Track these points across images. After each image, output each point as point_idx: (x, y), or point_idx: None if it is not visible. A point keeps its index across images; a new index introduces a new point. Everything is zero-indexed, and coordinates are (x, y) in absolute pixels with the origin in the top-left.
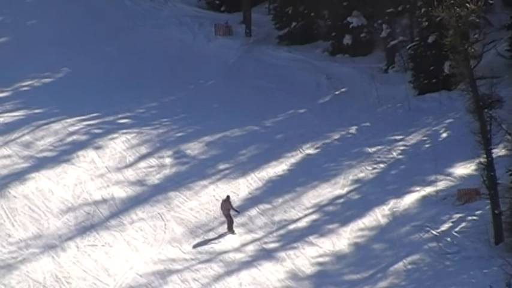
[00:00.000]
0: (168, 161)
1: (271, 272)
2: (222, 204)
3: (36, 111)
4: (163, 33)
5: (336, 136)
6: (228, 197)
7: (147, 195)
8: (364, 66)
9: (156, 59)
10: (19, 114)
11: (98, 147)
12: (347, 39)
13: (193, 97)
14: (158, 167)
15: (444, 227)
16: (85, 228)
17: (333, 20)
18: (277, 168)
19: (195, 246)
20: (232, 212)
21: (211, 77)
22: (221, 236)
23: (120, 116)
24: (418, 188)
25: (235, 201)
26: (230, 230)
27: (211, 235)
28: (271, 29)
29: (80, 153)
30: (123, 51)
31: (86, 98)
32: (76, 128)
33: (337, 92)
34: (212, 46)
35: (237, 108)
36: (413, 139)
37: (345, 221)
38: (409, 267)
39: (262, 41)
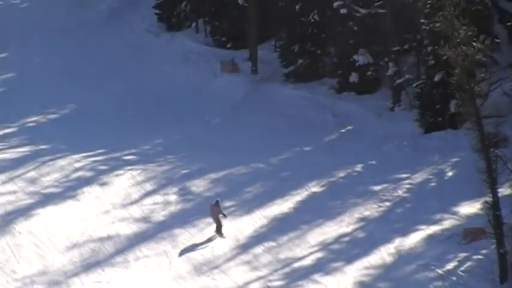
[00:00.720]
0: (173, 198)
1: None
2: (211, 209)
3: (42, 147)
4: (170, 70)
5: (342, 174)
6: (217, 201)
7: (152, 232)
8: (370, 104)
9: (161, 96)
10: (25, 150)
11: (103, 184)
12: (353, 77)
13: (199, 134)
14: (163, 204)
15: (450, 266)
16: (90, 265)
17: (339, 57)
18: (283, 206)
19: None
20: (221, 216)
21: (217, 114)
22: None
23: (125, 152)
24: (423, 227)
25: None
26: (219, 233)
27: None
28: (278, 67)
29: (85, 189)
30: (129, 88)
31: (91, 134)
32: (81, 164)
33: (343, 130)
34: (218, 83)
35: (242, 146)
36: (419, 177)
37: (350, 259)
38: None
39: (269, 78)
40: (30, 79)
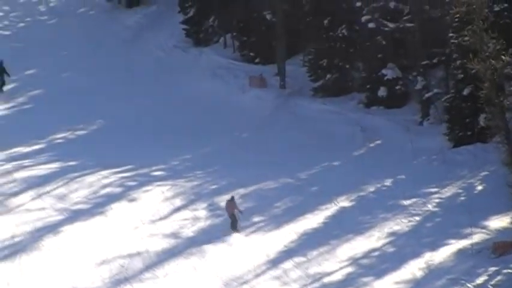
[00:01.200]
0: (202, 213)
1: None
2: (227, 205)
3: (71, 163)
4: (198, 85)
5: (371, 188)
6: (232, 197)
7: (181, 247)
8: (399, 119)
9: (190, 111)
10: (53, 166)
11: (132, 200)
12: (382, 91)
13: (228, 149)
14: (192, 219)
15: (480, 280)
16: (119, 281)
17: (368, 72)
18: (312, 221)
19: None
20: (236, 212)
21: (246, 129)
22: None
23: (154, 168)
24: (453, 241)
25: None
26: (234, 229)
27: None
28: (306, 81)
29: (114, 205)
30: (158, 104)
31: (120, 150)
32: (110, 180)
33: (371, 144)
34: (246, 98)
35: (271, 160)
36: (448, 192)
37: (379, 274)
38: None
39: (297, 93)
40: (58, 95)
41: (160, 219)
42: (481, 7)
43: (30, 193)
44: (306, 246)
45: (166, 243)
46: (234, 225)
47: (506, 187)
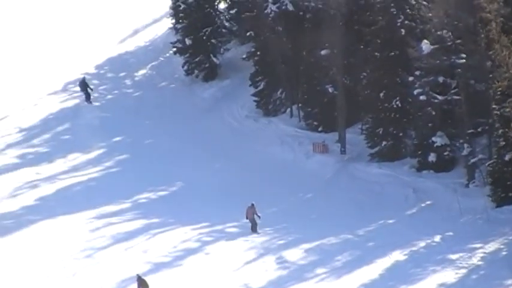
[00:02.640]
0: (271, 266)
1: None
2: (247, 210)
3: (153, 220)
4: (267, 151)
5: (422, 244)
6: (252, 204)
7: None
8: (447, 181)
9: (260, 174)
10: (138, 223)
11: (207, 253)
12: (432, 157)
13: (294, 208)
14: (262, 271)
15: None
16: None
17: (419, 139)
18: (369, 273)
19: None
20: (255, 217)
21: (310, 190)
22: None
23: (227, 225)
24: None
25: None
26: (254, 231)
27: None
28: (364, 147)
29: (192, 258)
30: (231, 167)
31: (197, 208)
32: (188, 236)
33: (423, 205)
34: (310, 163)
35: (332, 219)
36: (491, 247)
37: None
38: None
39: (356, 158)
40: (142, 159)
41: (233, 271)
42: None
43: (117, 247)
44: None
45: None
46: (254, 228)
47: None
